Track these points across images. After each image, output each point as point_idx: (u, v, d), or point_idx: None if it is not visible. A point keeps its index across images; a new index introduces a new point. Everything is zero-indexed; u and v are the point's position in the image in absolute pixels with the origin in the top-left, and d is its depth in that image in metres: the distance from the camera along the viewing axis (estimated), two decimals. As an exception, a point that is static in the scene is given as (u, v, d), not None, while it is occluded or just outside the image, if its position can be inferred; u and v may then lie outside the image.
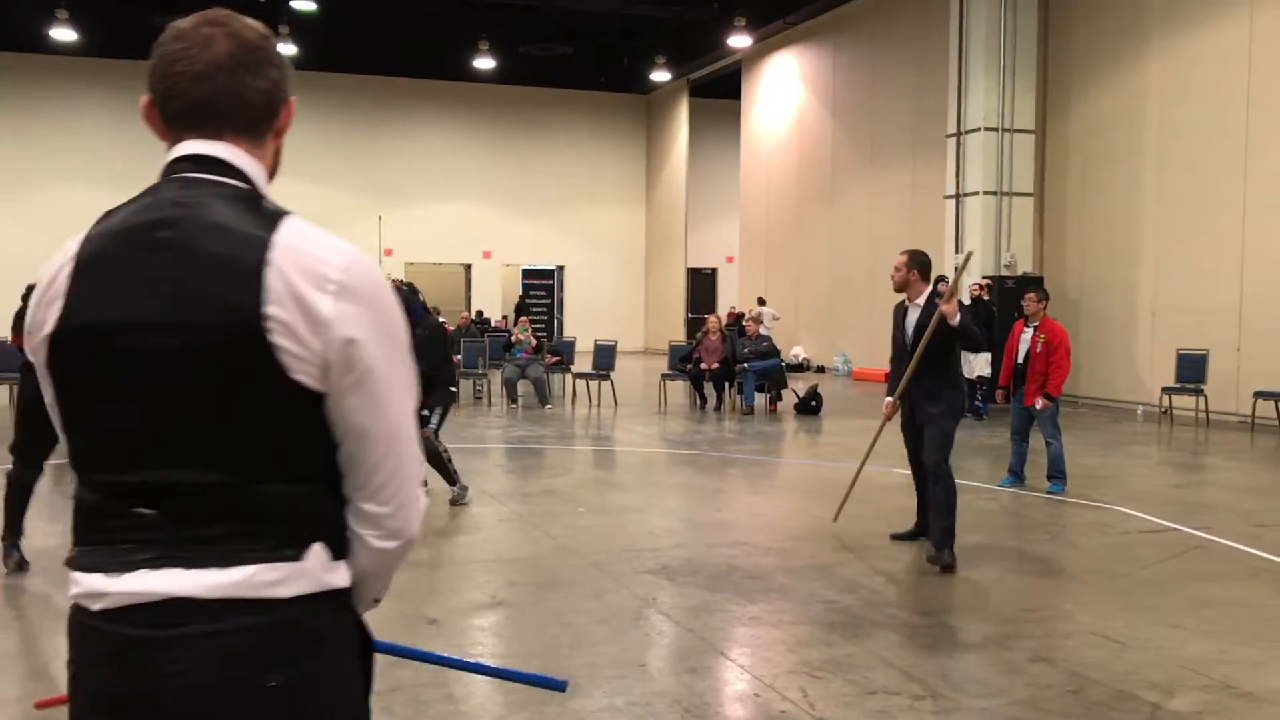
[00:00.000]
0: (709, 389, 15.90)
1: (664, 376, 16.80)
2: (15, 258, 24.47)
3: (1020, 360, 9.27)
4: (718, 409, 15.60)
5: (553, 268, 29.38)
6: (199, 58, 1.53)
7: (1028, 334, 9.24)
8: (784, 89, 24.81)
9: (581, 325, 25.85)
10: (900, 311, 7.11)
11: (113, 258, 1.49)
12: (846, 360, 21.87)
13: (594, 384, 16.56)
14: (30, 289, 6.63)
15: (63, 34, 23.12)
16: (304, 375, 1.46)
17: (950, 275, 17.07)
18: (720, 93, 28.36)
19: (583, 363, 17.60)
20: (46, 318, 1.51)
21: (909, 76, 20.16)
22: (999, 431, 13.28)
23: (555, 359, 16.92)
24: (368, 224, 26.91)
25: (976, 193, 16.77)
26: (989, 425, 13.86)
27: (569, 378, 17.16)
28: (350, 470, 1.54)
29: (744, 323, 16.87)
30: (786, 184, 24.64)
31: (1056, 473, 9.22)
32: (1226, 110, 14.30)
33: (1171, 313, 15.09)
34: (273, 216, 1.50)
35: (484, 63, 25.97)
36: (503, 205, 29.06)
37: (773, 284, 24.80)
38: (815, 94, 23.62)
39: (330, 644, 1.53)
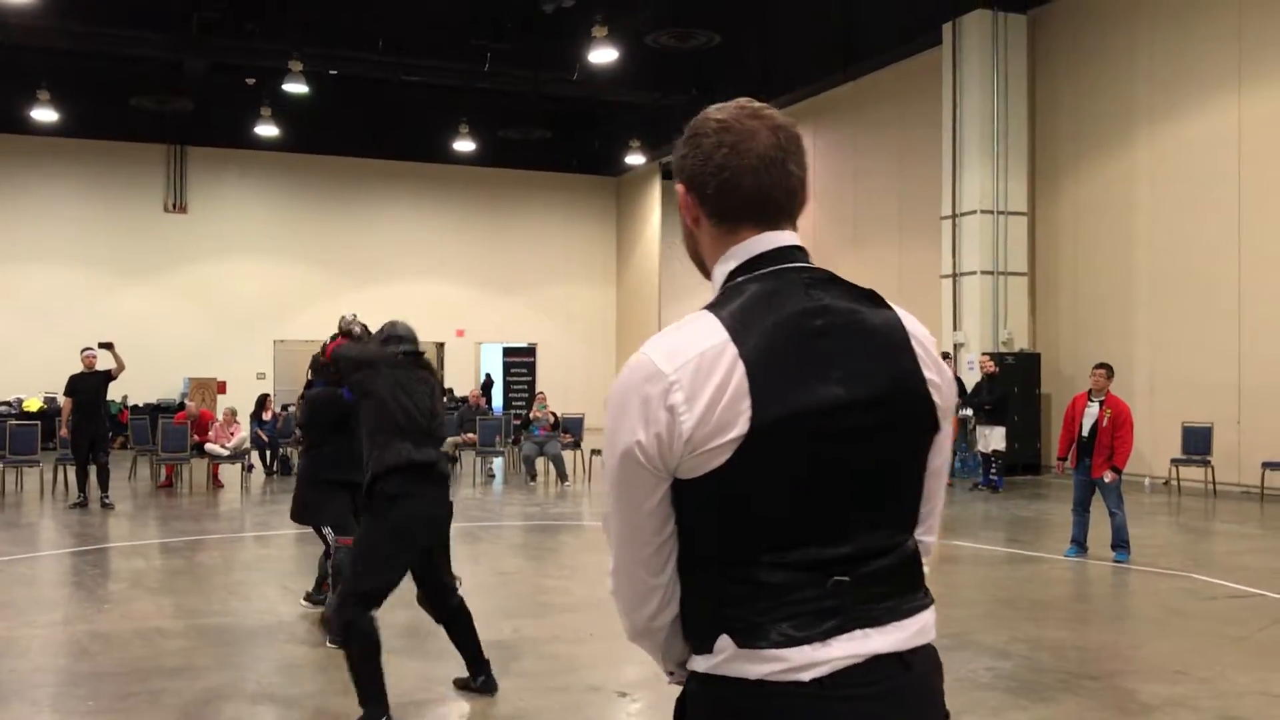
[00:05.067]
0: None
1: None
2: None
3: (1085, 434, 9.66)
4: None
5: (527, 345, 29.53)
6: (752, 150, 1.61)
7: (1093, 408, 9.65)
8: (761, 172, 25.43)
9: (554, 401, 25.90)
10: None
11: (783, 349, 1.54)
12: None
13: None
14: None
15: (44, 114, 23.06)
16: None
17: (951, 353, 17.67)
18: (693, 175, 28.91)
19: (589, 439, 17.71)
20: (731, 419, 1.50)
21: (892, 161, 20.93)
22: (1021, 504, 13.75)
23: (568, 436, 17.04)
24: (346, 302, 26.84)
25: (974, 272, 17.44)
26: (1006, 498, 14.29)
27: (582, 454, 17.21)
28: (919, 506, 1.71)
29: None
30: (765, 263, 25.15)
31: (1121, 542, 9.55)
32: (1217, 193, 15.09)
33: (1170, 388, 15.69)
34: (873, 296, 1.66)
35: (463, 145, 26.38)
36: (477, 284, 29.26)
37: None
38: (794, 177, 24.28)
39: None
